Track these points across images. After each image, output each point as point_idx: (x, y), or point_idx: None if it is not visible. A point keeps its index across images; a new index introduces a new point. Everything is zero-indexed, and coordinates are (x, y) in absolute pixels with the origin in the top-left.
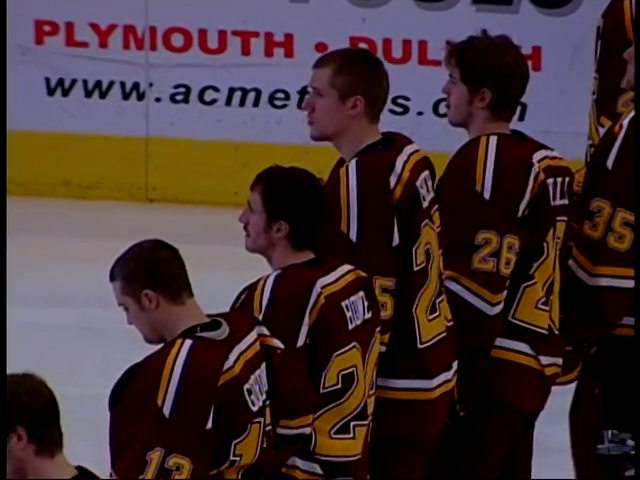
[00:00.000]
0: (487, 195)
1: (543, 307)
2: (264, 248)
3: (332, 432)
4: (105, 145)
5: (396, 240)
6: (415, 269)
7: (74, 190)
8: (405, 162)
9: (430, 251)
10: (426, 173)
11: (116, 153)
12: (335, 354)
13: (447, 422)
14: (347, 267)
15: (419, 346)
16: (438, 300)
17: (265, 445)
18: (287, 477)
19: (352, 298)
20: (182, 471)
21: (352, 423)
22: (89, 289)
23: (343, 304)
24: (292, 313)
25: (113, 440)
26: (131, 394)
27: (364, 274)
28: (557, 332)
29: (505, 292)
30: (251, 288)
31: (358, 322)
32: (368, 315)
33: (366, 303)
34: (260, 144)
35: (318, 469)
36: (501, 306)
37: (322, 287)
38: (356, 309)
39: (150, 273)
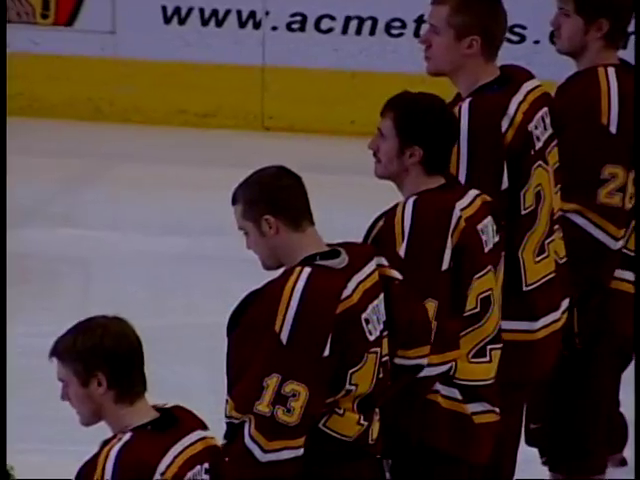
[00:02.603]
0: (613, 129)
1: None
2: (396, 174)
3: (470, 356)
4: (221, 74)
5: (505, 183)
6: (523, 212)
7: (190, 118)
8: (520, 103)
9: (541, 193)
10: (544, 111)
11: (232, 82)
12: (475, 277)
13: (560, 358)
14: (475, 191)
15: (524, 288)
16: (547, 241)
17: (381, 375)
18: (430, 402)
19: (484, 222)
20: (298, 398)
21: (488, 347)
22: (205, 217)
23: (479, 227)
24: (436, 237)
25: (230, 365)
26: (249, 320)
27: (489, 198)
28: None
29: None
30: (388, 215)
31: (491, 246)
32: (497, 239)
33: (494, 227)
34: (376, 73)
35: (458, 394)
36: (624, 241)
37: (461, 210)
38: (488, 233)
39: (272, 199)
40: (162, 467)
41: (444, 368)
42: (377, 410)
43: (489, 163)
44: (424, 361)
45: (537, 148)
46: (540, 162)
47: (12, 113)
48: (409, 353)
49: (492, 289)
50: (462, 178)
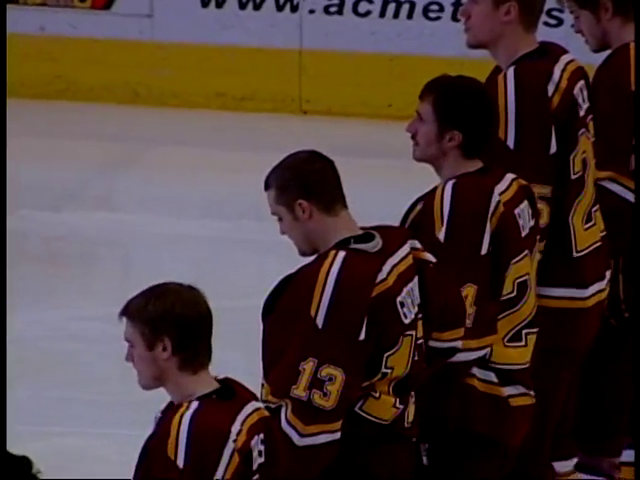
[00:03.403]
0: None
1: None
2: (434, 158)
3: (506, 340)
4: (259, 57)
5: (553, 148)
6: (572, 177)
7: (228, 102)
8: (562, 71)
9: (587, 160)
10: (582, 83)
11: (270, 65)
12: (513, 262)
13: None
14: (511, 175)
15: (575, 254)
16: (594, 209)
17: (417, 358)
18: (466, 386)
19: (521, 206)
20: (335, 382)
21: (524, 331)
22: (243, 200)
23: (516, 212)
24: (475, 221)
25: (266, 350)
26: (284, 305)
27: (525, 182)
28: None
29: None
30: (427, 198)
31: (527, 230)
32: (532, 223)
33: (530, 211)
34: (414, 56)
35: (494, 377)
36: None
37: (499, 194)
38: (525, 217)
39: (304, 183)
40: (233, 435)
41: (482, 353)
42: (412, 393)
43: (537, 127)
44: (458, 344)
45: (581, 115)
46: (584, 130)
47: (49, 96)
48: (443, 336)
49: (528, 273)
50: (510, 143)
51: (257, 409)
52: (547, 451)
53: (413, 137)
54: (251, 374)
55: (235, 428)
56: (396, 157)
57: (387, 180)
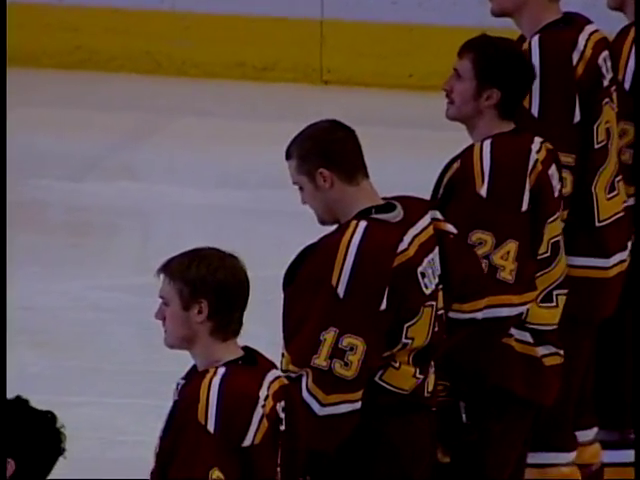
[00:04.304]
0: (627, 85)
1: None
2: (469, 116)
3: (539, 300)
4: (280, 27)
5: (577, 117)
6: (596, 146)
7: (249, 72)
8: (587, 40)
9: (610, 130)
10: (606, 53)
11: (291, 35)
12: (548, 221)
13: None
14: (540, 138)
15: (597, 224)
16: (617, 179)
17: (437, 329)
18: (504, 346)
19: (552, 168)
20: (356, 351)
21: (555, 292)
22: (263, 170)
23: (549, 173)
24: (516, 177)
25: (286, 320)
26: (305, 274)
27: (551, 146)
28: None
29: None
30: (464, 156)
31: (557, 193)
32: (559, 186)
33: (557, 174)
34: (435, 26)
35: (529, 337)
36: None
37: (536, 153)
38: (555, 179)
39: (326, 152)
40: (261, 400)
41: (523, 308)
42: (432, 363)
43: (561, 96)
44: (479, 315)
45: (604, 85)
46: (608, 99)
47: (70, 67)
48: (464, 307)
49: (560, 235)
50: (535, 111)
51: (278, 377)
52: (571, 418)
53: (448, 95)
54: (272, 344)
55: (263, 393)
56: (417, 127)
57: (408, 150)
